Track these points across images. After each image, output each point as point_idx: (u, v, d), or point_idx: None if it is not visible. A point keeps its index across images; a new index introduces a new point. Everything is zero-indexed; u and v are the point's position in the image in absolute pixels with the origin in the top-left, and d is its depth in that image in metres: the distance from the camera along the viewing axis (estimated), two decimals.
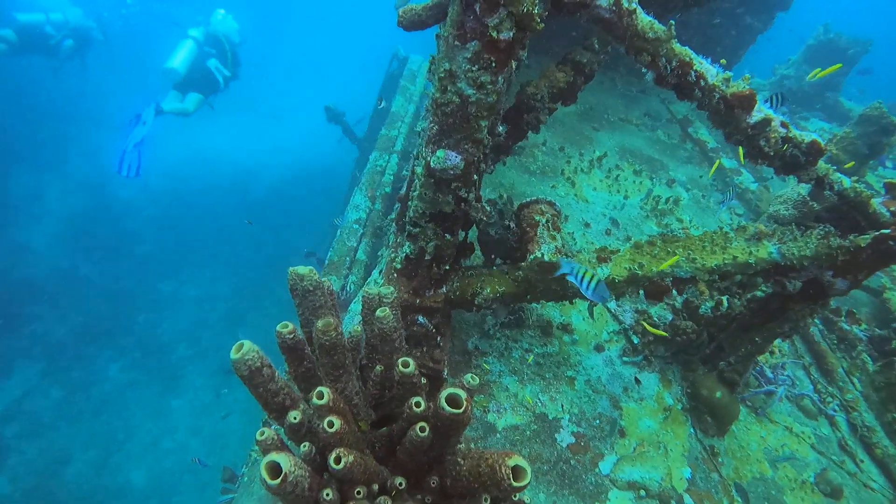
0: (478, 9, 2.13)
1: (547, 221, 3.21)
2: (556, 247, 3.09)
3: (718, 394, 3.76)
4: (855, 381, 4.54)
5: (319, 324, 1.93)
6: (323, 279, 2.32)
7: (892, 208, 3.03)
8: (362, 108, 13.50)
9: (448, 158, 2.57)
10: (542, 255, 3.01)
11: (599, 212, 5.33)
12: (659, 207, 5.50)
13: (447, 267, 3.17)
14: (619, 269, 3.22)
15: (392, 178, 7.67)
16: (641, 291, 3.26)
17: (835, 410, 4.31)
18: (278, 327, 2.01)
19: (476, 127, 2.48)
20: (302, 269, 2.28)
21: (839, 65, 3.15)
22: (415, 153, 3.42)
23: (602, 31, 2.37)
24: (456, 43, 2.23)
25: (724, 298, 3.85)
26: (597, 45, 3.58)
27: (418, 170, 2.73)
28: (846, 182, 2.86)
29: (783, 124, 2.62)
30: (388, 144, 8.27)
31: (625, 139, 6.58)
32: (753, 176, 6.57)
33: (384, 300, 2.46)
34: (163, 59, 9.99)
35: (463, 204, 2.79)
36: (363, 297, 2.49)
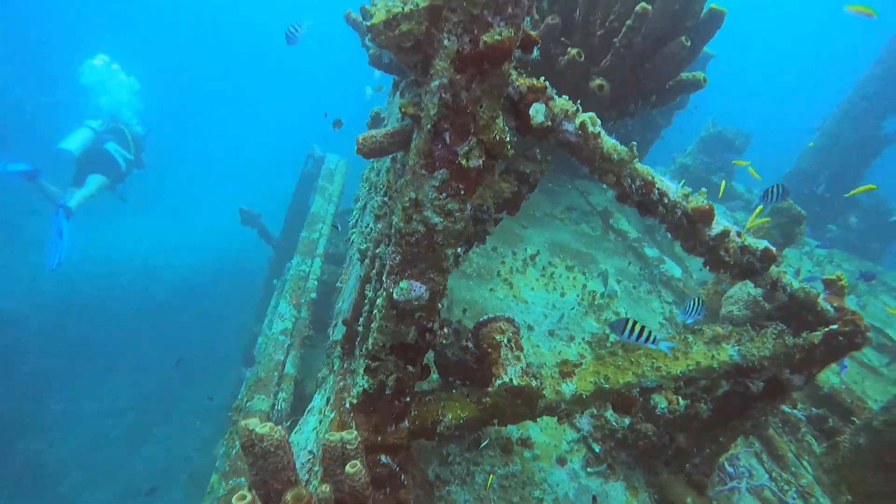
0: (447, 137, 2.03)
1: (509, 340, 3.06)
2: (521, 368, 2.92)
3: (689, 499, 3.63)
4: (805, 464, 4.58)
5: (289, 497, 1.62)
6: (276, 430, 2.01)
7: (835, 304, 3.13)
8: (277, 204, 13.22)
9: (412, 289, 2.38)
10: (511, 379, 2.82)
11: (540, 312, 5.28)
12: (596, 303, 5.54)
13: (407, 399, 2.90)
14: (584, 383, 3.08)
15: (317, 283, 7.35)
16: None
17: (794, 498, 4.29)
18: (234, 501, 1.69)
19: (442, 256, 2.33)
20: (260, 428, 1.97)
21: (874, 186, 3.35)
22: (364, 274, 3.22)
23: (568, 153, 2.33)
24: (422, 171, 2.11)
25: (679, 398, 3.80)
26: (539, 156, 3.60)
27: (379, 301, 2.52)
28: (795, 283, 2.94)
29: (738, 234, 2.66)
30: (310, 248, 8.00)
31: (553, 234, 6.71)
32: (677, 263, 6.85)
33: (348, 448, 2.17)
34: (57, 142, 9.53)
35: (427, 334, 2.59)
36: (324, 446, 2.19)
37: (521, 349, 3.10)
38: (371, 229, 3.95)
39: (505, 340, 3.08)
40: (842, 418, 5.09)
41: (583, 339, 5.15)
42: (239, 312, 14.72)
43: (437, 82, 1.94)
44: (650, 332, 2.71)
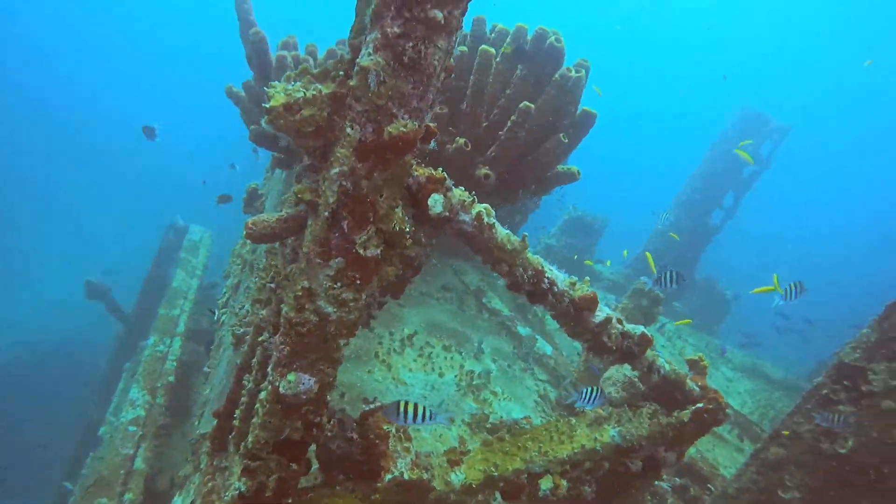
0: (346, 226, 1.96)
1: (397, 430, 2.93)
2: (412, 460, 2.80)
3: None
4: None
5: None
6: None
7: (700, 383, 3.37)
8: (129, 276, 12.08)
9: (301, 382, 2.21)
10: (401, 472, 2.68)
11: (419, 394, 5.16)
12: (473, 383, 5.55)
13: (289, 501, 2.64)
14: (473, 472, 3.01)
15: (175, 364, 6.69)
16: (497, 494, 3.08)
17: None
18: None
19: (334, 346, 2.20)
20: None
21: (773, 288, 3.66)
22: (241, 362, 2.95)
23: (464, 242, 2.35)
24: (318, 260, 2.00)
25: (564, 482, 3.83)
26: (423, 239, 3.62)
27: (262, 395, 2.30)
28: (666, 366, 3.13)
29: (619, 321, 2.80)
30: (170, 325, 7.31)
31: (429, 314, 6.72)
32: (548, 342, 7.10)
33: None
34: None
35: (315, 429, 2.40)
36: None
37: (410, 439, 2.97)
38: (248, 312, 3.69)
39: (393, 431, 2.94)
40: (701, 487, 5.41)
41: (462, 420, 5.09)
42: (68, 401, 12.99)
43: (337, 170, 1.88)
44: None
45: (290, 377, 2.20)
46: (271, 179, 4.65)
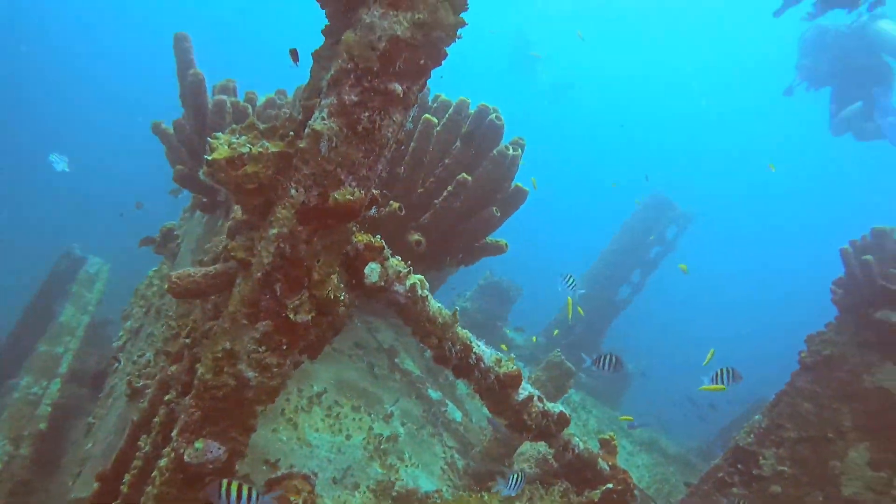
0: (278, 289, 1.87)
1: (304, 502, 2.75)
2: None
3: None
4: None
5: None
6: None
7: (610, 463, 3.43)
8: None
9: (209, 451, 2.04)
10: None
11: (324, 456, 4.93)
12: (381, 447, 5.37)
13: None
14: None
15: (50, 409, 6.04)
16: None
17: None
18: None
19: (250, 413, 2.07)
20: None
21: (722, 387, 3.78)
22: (138, 420, 2.70)
23: (396, 313, 2.31)
24: (244, 321, 1.90)
25: None
26: (351, 301, 3.54)
27: (163, 462, 2.10)
28: (581, 445, 3.16)
29: (539, 399, 2.82)
30: (49, 364, 6.64)
31: (340, 371, 6.50)
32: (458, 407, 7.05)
33: None
34: None
35: None
36: None
37: None
38: (149, 362, 3.42)
39: (300, 502, 2.76)
40: None
41: (367, 486, 4.89)
42: None
43: (276, 231, 1.81)
44: None
45: (198, 444, 2.03)
46: (189, 221, 4.43)
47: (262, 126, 1.95)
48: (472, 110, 3.36)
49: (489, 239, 3.72)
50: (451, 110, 3.44)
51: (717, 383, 3.77)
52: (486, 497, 3.31)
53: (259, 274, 1.85)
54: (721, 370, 3.82)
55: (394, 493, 5.05)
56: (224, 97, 2.91)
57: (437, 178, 3.37)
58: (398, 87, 1.74)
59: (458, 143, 3.35)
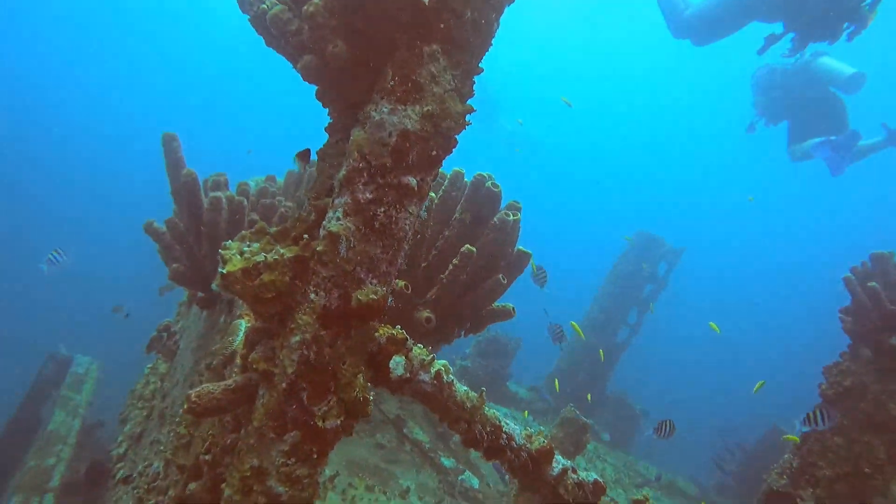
0: (304, 397, 1.79)
1: None
2: None
3: None
4: None
5: None
6: None
7: None
8: None
9: None
10: None
11: None
12: None
13: None
14: None
15: None
16: None
17: None
18: None
19: None
20: None
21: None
22: None
23: (421, 402, 2.22)
24: (271, 435, 1.80)
25: None
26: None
27: None
28: None
29: (573, 470, 2.71)
30: (40, 480, 6.30)
31: (349, 450, 6.29)
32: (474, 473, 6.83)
33: None
34: None
35: None
36: None
37: None
38: (158, 473, 3.24)
39: None
40: None
41: None
42: None
43: (298, 338, 1.74)
44: None
45: None
46: (186, 317, 4.31)
47: (272, 230, 1.91)
48: (467, 180, 3.36)
49: (496, 305, 3.66)
50: (446, 183, 3.44)
51: (811, 425, 3.63)
52: None
53: (284, 384, 1.77)
54: (815, 412, 3.67)
55: None
56: (220, 194, 2.88)
57: (439, 251, 3.34)
58: (412, 180, 1.71)
59: (457, 215, 3.33)
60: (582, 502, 2.81)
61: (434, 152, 1.72)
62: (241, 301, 2.93)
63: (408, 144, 1.67)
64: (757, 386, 5.65)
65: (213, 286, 1.86)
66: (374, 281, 1.77)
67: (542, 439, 2.59)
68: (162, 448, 3.35)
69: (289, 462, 1.84)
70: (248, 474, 1.82)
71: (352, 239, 1.69)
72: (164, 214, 3.68)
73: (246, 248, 1.79)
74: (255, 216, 3.09)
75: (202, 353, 3.39)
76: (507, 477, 7.55)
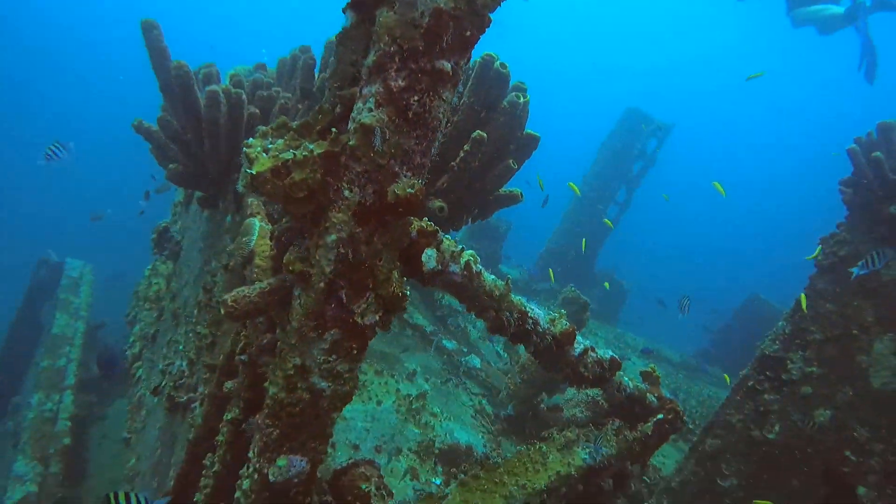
0: (343, 296, 1.77)
1: (378, 488, 2.74)
2: None
3: None
4: None
5: None
6: None
7: (656, 395, 3.48)
8: None
9: (292, 466, 1.98)
10: None
11: (361, 427, 4.95)
12: (413, 407, 5.42)
13: None
14: None
15: (68, 424, 5.94)
16: None
17: None
18: None
19: (327, 421, 2.00)
20: None
21: None
22: (194, 437, 2.62)
23: (451, 293, 2.23)
24: (311, 335, 1.80)
25: None
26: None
27: (246, 484, 2.04)
28: (630, 385, 3.19)
29: (592, 349, 2.81)
30: (55, 379, 6.48)
31: None
32: (473, 352, 7.11)
33: None
34: None
35: None
36: None
37: (392, 495, 2.80)
38: (182, 371, 3.31)
39: (373, 489, 2.74)
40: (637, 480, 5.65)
41: (409, 449, 4.95)
42: None
43: (334, 237, 1.69)
44: None
45: (281, 462, 1.96)
46: (185, 217, 4.22)
47: (294, 124, 1.80)
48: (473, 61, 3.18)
49: (503, 190, 3.61)
50: None
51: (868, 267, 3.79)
52: (545, 448, 3.35)
53: (321, 284, 1.74)
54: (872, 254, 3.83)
55: (436, 451, 5.15)
56: (217, 88, 2.69)
57: (448, 137, 3.22)
58: (446, 65, 1.59)
59: (466, 97, 3.18)
60: (599, 377, 2.94)
61: (468, 33, 1.58)
62: (252, 200, 2.84)
63: (441, 25, 1.53)
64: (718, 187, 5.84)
65: (239, 187, 1.77)
66: (409, 174, 1.70)
67: (565, 322, 2.66)
68: (181, 348, 3.40)
69: (330, 359, 1.86)
70: (292, 372, 1.84)
71: (386, 131, 1.59)
72: (151, 110, 3.48)
73: (271, 146, 1.69)
74: (253, 109, 2.92)
75: (211, 252, 3.35)
76: (505, 355, 7.91)
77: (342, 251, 1.72)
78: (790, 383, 4.21)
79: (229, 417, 2.28)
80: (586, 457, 3.22)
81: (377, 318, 1.87)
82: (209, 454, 2.46)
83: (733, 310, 12.13)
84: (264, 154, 1.65)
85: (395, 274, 1.87)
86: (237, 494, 2.09)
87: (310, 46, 3.63)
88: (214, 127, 2.75)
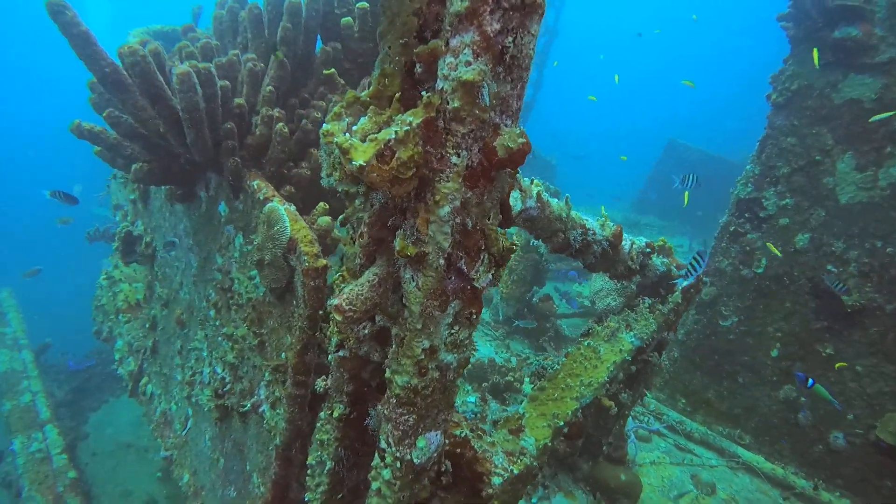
0: (463, 265, 1.67)
1: (471, 430, 2.78)
2: (503, 453, 2.70)
3: (622, 476, 3.90)
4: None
5: None
6: None
7: (674, 264, 3.65)
8: None
9: (431, 443, 1.96)
10: (509, 470, 2.59)
11: None
12: None
13: None
14: (539, 431, 3.01)
15: (65, 458, 5.58)
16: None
17: (649, 425, 4.99)
18: None
19: (454, 390, 1.97)
20: None
21: None
22: (282, 443, 2.51)
23: (527, 228, 2.17)
24: (437, 314, 1.71)
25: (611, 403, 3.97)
26: None
27: (385, 475, 2.00)
28: (660, 265, 3.32)
29: (633, 242, 2.87)
30: (28, 417, 5.97)
31: None
32: None
33: None
34: None
35: (443, 479, 2.18)
36: None
37: (485, 432, 2.85)
38: (222, 377, 3.12)
39: (468, 432, 2.78)
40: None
41: None
42: None
43: (447, 209, 1.56)
44: None
45: (420, 443, 1.93)
46: (146, 214, 3.78)
47: (363, 95, 1.59)
48: None
49: None
50: None
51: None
52: (593, 343, 3.47)
53: (440, 260, 1.63)
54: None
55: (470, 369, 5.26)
56: (187, 69, 2.31)
57: None
58: None
59: None
60: (643, 265, 3.03)
61: None
62: (255, 182, 2.57)
63: None
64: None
65: (328, 183, 1.58)
66: (509, 122, 1.56)
67: (611, 223, 2.67)
68: (206, 354, 3.17)
69: (453, 331, 1.78)
70: (423, 357, 1.76)
71: (489, 84, 1.44)
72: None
73: (355, 127, 1.50)
74: (223, 82, 2.56)
75: (211, 248, 3.06)
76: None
77: (458, 221, 1.59)
78: (768, 219, 4.53)
79: (336, 415, 2.18)
80: (633, 339, 3.38)
81: (490, 276, 1.79)
82: (313, 453, 2.38)
83: (657, 160, 12.76)
84: (356, 139, 1.46)
85: (498, 228, 1.78)
86: (376, 486, 2.05)
87: None
88: (196, 113, 2.40)
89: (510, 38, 1.44)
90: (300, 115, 2.83)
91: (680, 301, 3.51)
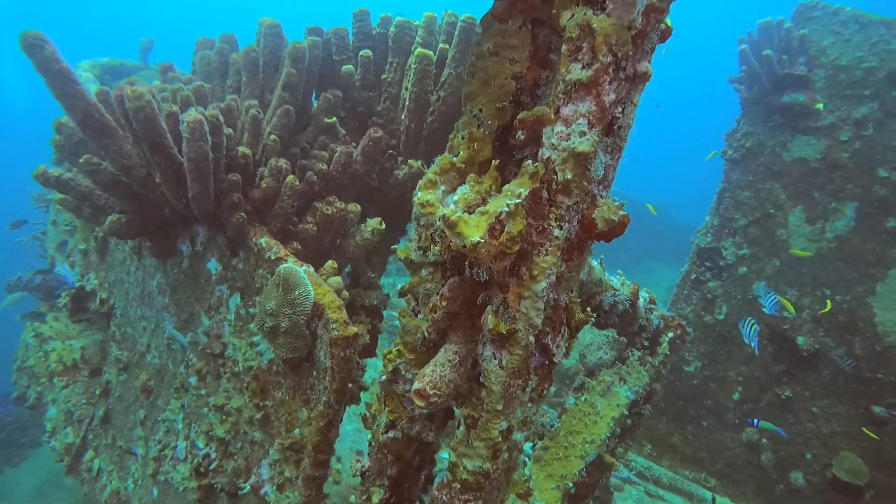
0: (548, 341, 1.57)
1: None
2: None
3: None
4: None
5: None
6: None
7: (660, 315, 3.71)
8: None
9: None
10: None
11: (351, 430, 4.67)
12: None
13: None
14: (548, 494, 2.92)
15: None
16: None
17: (619, 472, 4.99)
18: None
19: (515, 469, 1.84)
20: None
21: None
22: None
23: None
24: (518, 392, 1.59)
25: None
26: None
27: None
28: (656, 321, 3.35)
29: (649, 300, 2.88)
30: None
31: None
32: None
33: None
34: None
35: None
36: None
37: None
38: (205, 453, 2.78)
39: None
40: None
41: None
42: None
43: (543, 284, 1.46)
44: None
45: None
46: (102, 268, 3.38)
47: (455, 160, 1.48)
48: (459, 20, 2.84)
49: None
50: (421, 32, 2.87)
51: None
52: (589, 398, 3.43)
53: (529, 337, 1.52)
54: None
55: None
56: (199, 116, 2.09)
57: (437, 115, 2.90)
58: (647, 66, 1.39)
59: (450, 69, 2.86)
60: (648, 319, 3.03)
61: (662, 25, 1.39)
62: (264, 240, 2.35)
63: (650, 22, 1.32)
64: None
65: (423, 258, 1.45)
66: (605, 192, 1.50)
67: (629, 283, 2.66)
68: (181, 427, 2.82)
69: (527, 408, 1.67)
70: (500, 440, 1.62)
71: (601, 154, 1.38)
72: None
73: (455, 197, 1.38)
74: (227, 129, 2.35)
75: (196, 308, 2.76)
76: None
77: (552, 296, 1.50)
78: (727, 267, 4.75)
79: (375, 501, 1.97)
80: (629, 393, 3.37)
81: (565, 348, 1.70)
82: None
83: None
84: (464, 213, 1.34)
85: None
86: None
87: (233, 35, 2.97)
88: (204, 164, 2.17)
89: (619, 109, 1.39)
90: (303, 165, 2.65)
91: (668, 353, 3.56)
